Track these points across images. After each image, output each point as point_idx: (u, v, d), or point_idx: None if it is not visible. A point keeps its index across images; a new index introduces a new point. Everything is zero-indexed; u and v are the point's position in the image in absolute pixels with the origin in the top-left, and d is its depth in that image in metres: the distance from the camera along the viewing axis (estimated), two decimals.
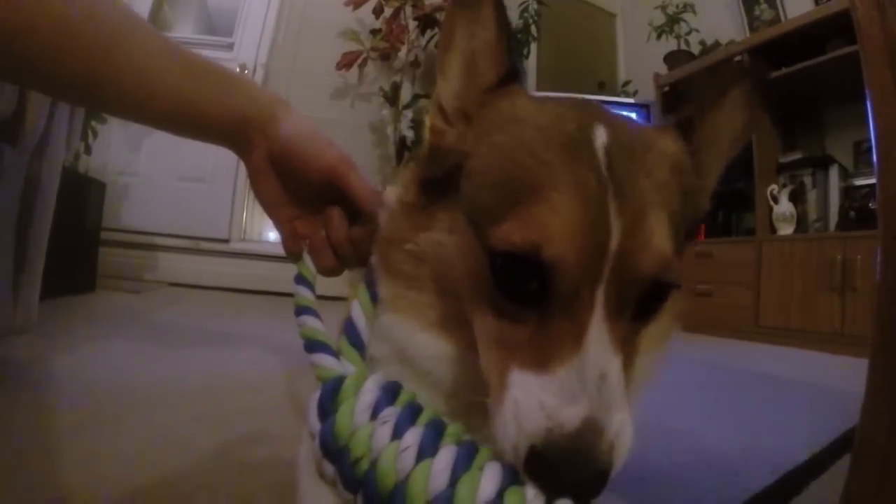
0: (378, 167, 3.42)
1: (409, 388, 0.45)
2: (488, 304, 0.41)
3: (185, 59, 0.52)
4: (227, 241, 3.15)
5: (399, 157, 3.25)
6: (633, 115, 3.43)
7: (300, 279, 0.55)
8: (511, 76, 0.48)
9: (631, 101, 3.58)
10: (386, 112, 3.34)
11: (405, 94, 3.45)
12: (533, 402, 0.38)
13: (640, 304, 0.40)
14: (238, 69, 3.42)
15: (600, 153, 0.40)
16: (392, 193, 0.52)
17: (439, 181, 0.47)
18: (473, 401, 0.42)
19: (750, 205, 2.85)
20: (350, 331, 0.48)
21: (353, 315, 0.48)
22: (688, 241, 0.48)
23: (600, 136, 0.41)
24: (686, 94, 3.27)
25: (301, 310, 0.51)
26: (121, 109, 0.53)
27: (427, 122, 0.51)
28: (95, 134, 2.59)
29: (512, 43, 0.48)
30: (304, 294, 0.53)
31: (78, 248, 1.05)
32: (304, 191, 0.57)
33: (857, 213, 2.27)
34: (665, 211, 0.40)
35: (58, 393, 1.00)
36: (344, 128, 3.48)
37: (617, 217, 0.38)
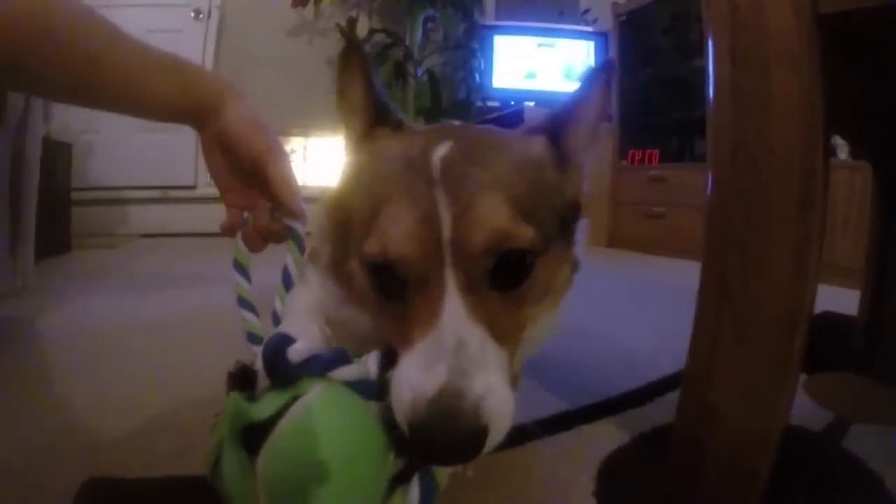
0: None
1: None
2: (377, 307, 0.50)
3: (156, 59, 0.59)
4: (193, 187, 3.17)
5: None
6: (592, 44, 3.46)
7: (237, 265, 0.63)
8: (377, 122, 0.56)
9: (589, 29, 3.58)
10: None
11: (362, 29, 3.40)
12: (401, 378, 0.43)
13: (500, 275, 0.46)
14: (193, 14, 3.32)
15: (435, 164, 0.47)
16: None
17: (349, 216, 0.54)
18: None
19: (702, 131, 2.94)
20: (284, 277, 0.59)
21: (287, 264, 0.60)
22: (575, 219, 0.58)
23: (439, 151, 0.48)
24: (643, 24, 3.28)
25: (241, 302, 0.60)
26: (100, 107, 0.61)
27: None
28: None
29: (379, 95, 0.56)
30: (242, 283, 0.61)
31: (51, 211, 1.11)
32: (240, 169, 0.65)
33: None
34: (501, 194, 0.46)
35: (59, 341, 1.11)
36: (302, 65, 3.44)
37: (447, 208, 0.44)
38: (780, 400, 0.49)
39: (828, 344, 1.13)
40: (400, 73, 3.24)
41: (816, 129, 0.47)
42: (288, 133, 3.30)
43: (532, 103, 3.09)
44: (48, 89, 0.63)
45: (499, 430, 0.41)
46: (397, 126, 0.56)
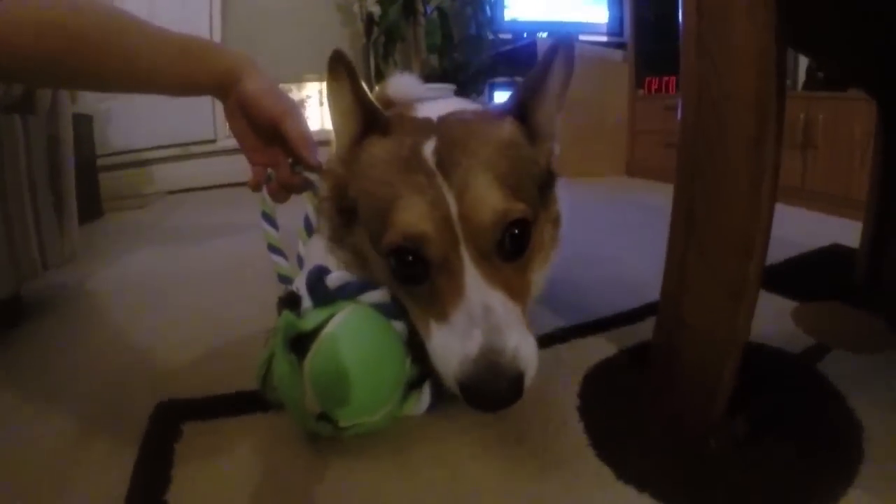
0: (350, 45, 3.40)
1: None
2: (398, 288, 0.58)
3: (173, 42, 0.65)
4: (213, 140, 3.22)
5: (368, 33, 3.22)
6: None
7: (265, 216, 0.72)
8: (368, 127, 0.62)
9: None
10: None
11: None
12: (445, 347, 0.51)
13: (504, 247, 0.54)
14: None
15: (429, 157, 0.55)
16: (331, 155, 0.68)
17: (348, 209, 0.62)
18: None
19: None
20: (306, 223, 0.70)
21: (307, 212, 0.70)
22: (551, 184, 0.65)
23: (428, 146, 0.56)
24: None
25: (271, 248, 0.69)
26: (126, 90, 0.67)
27: (329, 162, 0.67)
28: None
29: (368, 101, 0.61)
30: (271, 232, 0.71)
31: (80, 181, 1.20)
32: (261, 131, 0.72)
33: (825, 74, 2.22)
34: (492, 174, 0.54)
35: (111, 297, 1.23)
36: (311, 10, 3.39)
37: (449, 192, 0.52)
38: (738, 313, 0.56)
39: (831, 275, 1.18)
40: (410, 10, 3.19)
41: (770, 75, 0.51)
42: (303, 79, 3.31)
43: (545, 35, 3.03)
44: (85, 86, 0.68)
45: (531, 373, 0.50)
46: (385, 129, 0.61)
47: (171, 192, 3.08)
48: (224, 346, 0.89)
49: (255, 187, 0.74)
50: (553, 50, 0.61)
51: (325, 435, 0.56)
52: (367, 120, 0.62)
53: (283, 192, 0.74)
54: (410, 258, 0.53)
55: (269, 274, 0.69)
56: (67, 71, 0.58)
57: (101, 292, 1.27)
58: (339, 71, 0.60)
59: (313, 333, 0.54)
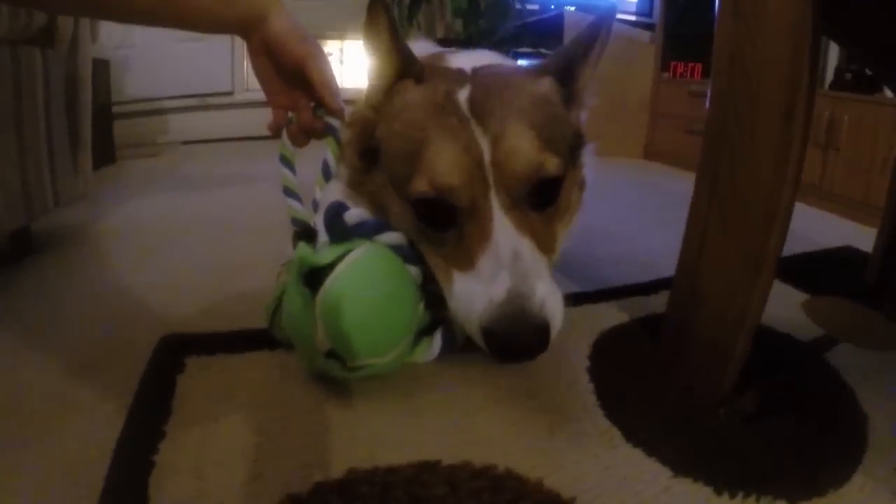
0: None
1: None
2: (419, 233, 0.57)
3: None
4: (230, 93, 3.20)
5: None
6: None
7: (283, 159, 0.71)
8: (403, 73, 0.61)
9: None
10: None
11: None
12: (469, 292, 0.50)
13: (535, 197, 0.54)
14: None
15: (463, 103, 0.54)
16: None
17: (371, 151, 0.62)
18: None
19: None
20: (324, 168, 0.67)
21: (326, 158, 0.68)
22: (581, 147, 0.65)
23: (464, 92, 0.56)
24: None
25: (286, 191, 0.68)
26: (151, 24, 0.66)
27: (357, 109, 0.66)
28: None
29: (404, 47, 0.61)
30: (288, 175, 0.69)
31: (94, 126, 1.20)
32: (285, 73, 0.71)
33: (854, 75, 2.18)
34: (527, 124, 0.53)
35: (121, 238, 1.23)
36: None
37: (483, 138, 0.52)
38: (755, 286, 0.56)
39: (842, 274, 1.17)
40: None
41: (804, 48, 0.50)
42: (324, 36, 3.27)
43: (573, 8, 2.96)
44: (106, 13, 0.67)
45: (557, 326, 0.49)
46: (419, 76, 0.61)
47: (186, 143, 3.07)
48: (232, 291, 0.89)
49: (276, 131, 0.74)
50: (601, 22, 0.62)
51: (333, 374, 0.56)
52: (401, 65, 0.61)
53: (302, 136, 0.73)
54: (437, 204, 0.53)
55: (281, 223, 0.68)
56: None
57: (110, 233, 1.27)
58: (378, 14, 0.59)
59: (328, 268, 0.54)
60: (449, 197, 0.52)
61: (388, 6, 0.59)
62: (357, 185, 0.66)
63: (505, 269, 0.48)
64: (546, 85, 0.61)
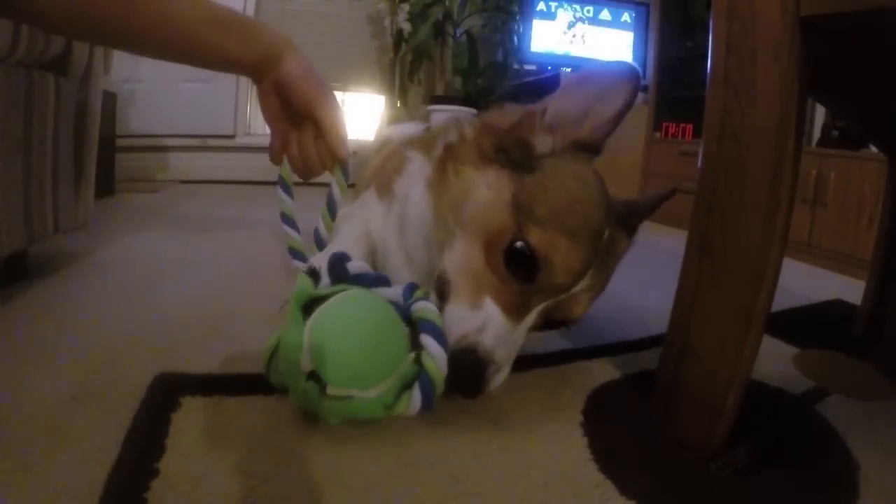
0: (377, 59, 3.46)
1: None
2: (483, 249, 0.62)
3: (218, 16, 0.65)
4: (232, 136, 3.26)
5: (396, 49, 3.28)
6: (632, 13, 3.39)
7: (282, 183, 0.72)
8: (593, 151, 0.68)
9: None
10: (383, 5, 3.32)
11: None
12: (485, 322, 0.60)
13: None
14: None
15: (602, 243, 0.63)
16: (393, 130, 0.71)
17: (507, 150, 0.66)
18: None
19: None
20: (329, 201, 0.68)
21: (332, 190, 0.69)
22: None
23: (607, 234, 0.64)
24: None
25: (284, 217, 0.69)
26: (165, 58, 0.66)
27: (528, 113, 0.70)
28: None
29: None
30: (286, 200, 0.71)
31: (98, 157, 1.22)
32: (294, 114, 0.72)
33: (840, 132, 2.25)
34: (595, 293, 0.66)
35: (118, 270, 1.23)
36: (342, 20, 3.47)
37: (588, 280, 0.62)
38: (745, 344, 0.57)
39: (833, 326, 1.19)
40: (439, 32, 3.26)
41: (790, 114, 0.53)
42: None
43: (569, 69, 3.08)
44: (119, 43, 0.66)
45: (496, 382, 0.60)
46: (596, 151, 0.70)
47: (184, 182, 3.10)
48: (228, 328, 0.89)
49: (278, 157, 0.75)
50: (632, 91, 0.65)
51: (311, 402, 0.53)
52: (599, 145, 0.69)
53: (306, 170, 0.74)
54: (523, 262, 0.60)
55: (278, 271, 0.68)
56: (96, 20, 0.57)
57: (106, 264, 1.28)
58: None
59: (324, 298, 0.55)
60: (543, 274, 0.60)
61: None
62: (442, 181, 0.69)
63: (502, 342, 0.59)
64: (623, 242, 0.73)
